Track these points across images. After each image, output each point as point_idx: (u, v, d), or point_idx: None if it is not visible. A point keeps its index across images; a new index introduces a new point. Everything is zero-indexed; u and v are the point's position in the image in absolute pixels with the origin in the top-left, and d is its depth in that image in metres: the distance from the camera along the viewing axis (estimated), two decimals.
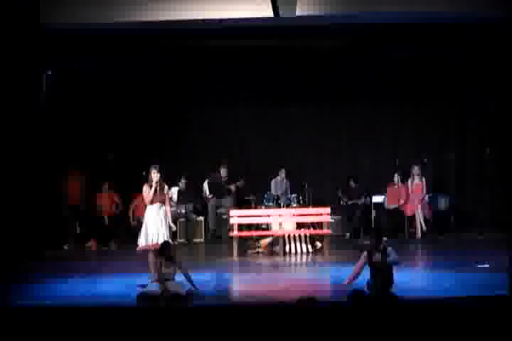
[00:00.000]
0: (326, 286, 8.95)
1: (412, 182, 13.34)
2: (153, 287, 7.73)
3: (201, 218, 13.62)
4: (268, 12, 9.92)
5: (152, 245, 8.79)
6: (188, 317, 6.25)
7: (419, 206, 13.16)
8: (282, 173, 13.55)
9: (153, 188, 8.90)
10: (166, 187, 9.12)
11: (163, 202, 8.98)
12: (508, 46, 10.57)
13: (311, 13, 10.06)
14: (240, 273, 10.35)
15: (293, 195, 13.07)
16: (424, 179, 13.31)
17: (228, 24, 10.49)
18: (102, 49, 11.98)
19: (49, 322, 6.08)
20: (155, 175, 8.93)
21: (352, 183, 13.64)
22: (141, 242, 8.89)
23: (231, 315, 6.19)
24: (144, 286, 8.25)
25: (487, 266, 9.23)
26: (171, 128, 14.10)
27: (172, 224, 9.09)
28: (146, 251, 8.95)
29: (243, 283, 9.61)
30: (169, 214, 9.02)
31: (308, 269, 10.81)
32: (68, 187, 13.03)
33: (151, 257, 8.80)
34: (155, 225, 8.85)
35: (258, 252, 11.76)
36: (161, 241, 8.65)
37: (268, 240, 11.80)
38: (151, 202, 8.92)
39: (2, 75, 9.96)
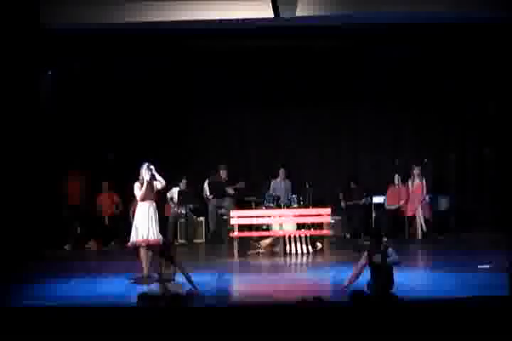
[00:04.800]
0: (326, 286, 8.95)
1: (412, 183, 13.33)
2: (154, 287, 7.73)
3: (201, 218, 13.62)
4: (268, 12, 9.94)
5: (142, 241, 9.02)
6: (188, 317, 6.24)
7: (420, 206, 13.15)
8: (282, 173, 13.54)
9: (144, 186, 9.07)
10: (157, 185, 9.24)
11: (153, 200, 9.20)
12: (508, 46, 10.58)
13: (311, 13, 10.07)
14: (240, 274, 10.34)
15: (293, 196, 13.07)
16: (424, 179, 13.30)
17: (228, 24, 10.51)
18: (102, 49, 11.99)
19: (49, 322, 6.07)
20: (146, 173, 9.06)
21: (352, 184, 13.64)
22: (133, 238, 9.10)
23: (231, 316, 6.19)
24: (136, 280, 8.63)
25: (487, 266, 9.21)
26: (171, 129, 14.08)
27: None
28: (137, 248, 9.17)
29: (243, 283, 9.60)
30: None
31: (309, 270, 10.81)
32: (68, 187, 13.04)
33: (142, 253, 9.06)
34: (145, 222, 9.05)
35: (258, 253, 11.76)
36: (151, 237, 8.99)
37: (268, 241, 11.80)
38: (142, 200, 9.11)
39: (2, 75, 9.97)
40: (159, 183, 9.25)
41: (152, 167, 9.19)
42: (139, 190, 9.12)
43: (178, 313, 6.42)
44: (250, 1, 10.10)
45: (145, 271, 9.03)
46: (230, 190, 13.27)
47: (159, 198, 12.64)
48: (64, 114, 12.89)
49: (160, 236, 9.14)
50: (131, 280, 8.92)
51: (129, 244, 9.22)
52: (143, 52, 12.65)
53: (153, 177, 9.17)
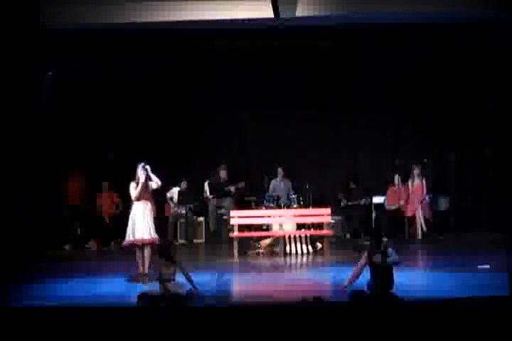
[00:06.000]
0: (326, 286, 8.95)
1: (412, 183, 13.33)
2: (154, 287, 7.73)
3: (201, 219, 13.62)
4: (268, 12, 9.94)
5: (138, 240, 9.12)
6: (188, 317, 6.25)
7: (420, 206, 13.15)
8: (280, 173, 13.53)
9: (139, 186, 9.16)
10: (152, 185, 9.30)
11: (148, 200, 9.28)
12: (508, 46, 10.59)
13: (311, 13, 10.07)
14: (240, 274, 10.34)
15: (294, 196, 13.07)
16: (424, 179, 13.29)
17: (228, 24, 10.51)
18: (102, 49, 11.99)
19: (49, 322, 6.07)
20: (141, 173, 9.15)
21: (352, 184, 13.64)
22: (128, 237, 9.20)
23: (231, 316, 6.19)
24: (131, 277, 8.82)
25: (487, 266, 9.21)
26: (171, 129, 14.08)
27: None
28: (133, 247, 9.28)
29: (243, 283, 9.60)
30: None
31: (309, 270, 10.81)
32: (68, 187, 13.04)
33: (137, 252, 9.17)
34: (141, 221, 9.14)
35: (258, 253, 11.76)
36: (146, 236, 9.08)
37: (268, 241, 11.80)
38: (137, 199, 9.20)
39: (2, 75, 9.97)
40: (155, 183, 9.31)
41: (148, 167, 9.25)
42: (134, 190, 9.21)
43: (178, 313, 6.42)
44: (250, 1, 10.10)
45: (140, 269, 9.09)
46: (232, 188, 13.23)
47: (159, 198, 12.73)
48: (64, 114, 12.88)
49: (156, 236, 9.21)
50: (126, 279, 8.98)
51: (124, 243, 9.31)
52: (143, 52, 12.65)
53: (148, 178, 9.23)
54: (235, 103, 14.10)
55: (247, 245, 11.93)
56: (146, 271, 9.06)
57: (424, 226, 13.07)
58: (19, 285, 8.55)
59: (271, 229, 12.14)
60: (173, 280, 7.64)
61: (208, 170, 13.52)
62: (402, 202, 13.33)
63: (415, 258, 11.33)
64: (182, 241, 13.35)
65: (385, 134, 14.31)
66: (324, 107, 14.14)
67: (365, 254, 7.40)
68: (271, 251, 11.73)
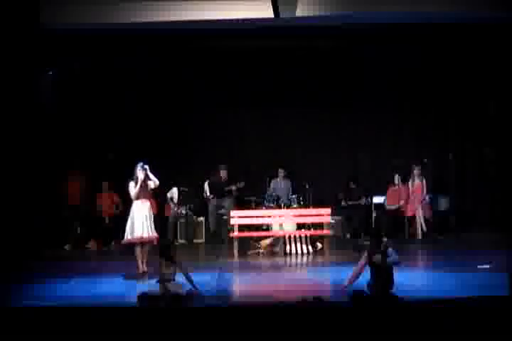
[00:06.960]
0: (326, 286, 8.95)
1: (412, 183, 13.33)
2: (154, 287, 7.74)
3: (202, 219, 13.61)
4: (268, 12, 9.94)
5: (137, 238, 9.21)
6: (188, 317, 6.25)
7: (420, 206, 13.15)
8: (281, 173, 13.55)
9: (138, 185, 9.26)
10: (151, 184, 9.39)
11: (147, 198, 9.40)
12: (508, 46, 10.59)
13: (311, 13, 10.08)
14: (240, 274, 10.34)
15: (294, 196, 13.07)
16: (424, 179, 13.30)
17: (228, 24, 10.51)
18: (102, 49, 11.99)
19: (49, 322, 6.07)
20: (140, 172, 9.24)
21: (352, 184, 13.64)
22: (127, 236, 9.30)
23: (231, 316, 6.19)
24: (131, 276, 8.85)
25: (487, 266, 9.21)
26: (171, 129, 14.08)
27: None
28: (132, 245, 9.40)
29: (243, 283, 9.60)
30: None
31: (309, 270, 10.81)
32: (68, 187, 13.03)
33: (137, 250, 9.28)
34: (140, 219, 9.26)
35: (258, 253, 11.76)
36: (145, 234, 9.21)
37: (268, 241, 11.80)
38: (137, 198, 9.32)
39: (2, 75, 9.97)
40: (153, 183, 9.41)
41: (146, 167, 9.32)
42: (133, 189, 9.32)
43: (178, 313, 6.42)
44: (250, 1, 10.10)
45: (140, 268, 9.13)
46: (233, 187, 13.21)
47: (159, 198, 12.73)
48: (64, 114, 12.89)
49: (155, 234, 9.31)
50: (124, 276, 9.01)
51: (123, 241, 9.42)
52: (143, 52, 12.65)
53: (147, 177, 9.28)
54: (235, 103, 14.10)
55: (247, 245, 11.93)
56: (146, 269, 9.09)
57: (424, 226, 13.07)
58: (19, 285, 8.55)
59: (271, 229, 12.14)
60: (173, 280, 7.65)
61: (208, 170, 13.52)
62: (402, 202, 13.33)
63: (415, 258, 11.33)
64: (182, 241, 13.35)
65: (385, 134, 14.30)
66: (324, 107, 14.13)
67: (365, 254, 7.40)
68: (271, 251, 11.73)
